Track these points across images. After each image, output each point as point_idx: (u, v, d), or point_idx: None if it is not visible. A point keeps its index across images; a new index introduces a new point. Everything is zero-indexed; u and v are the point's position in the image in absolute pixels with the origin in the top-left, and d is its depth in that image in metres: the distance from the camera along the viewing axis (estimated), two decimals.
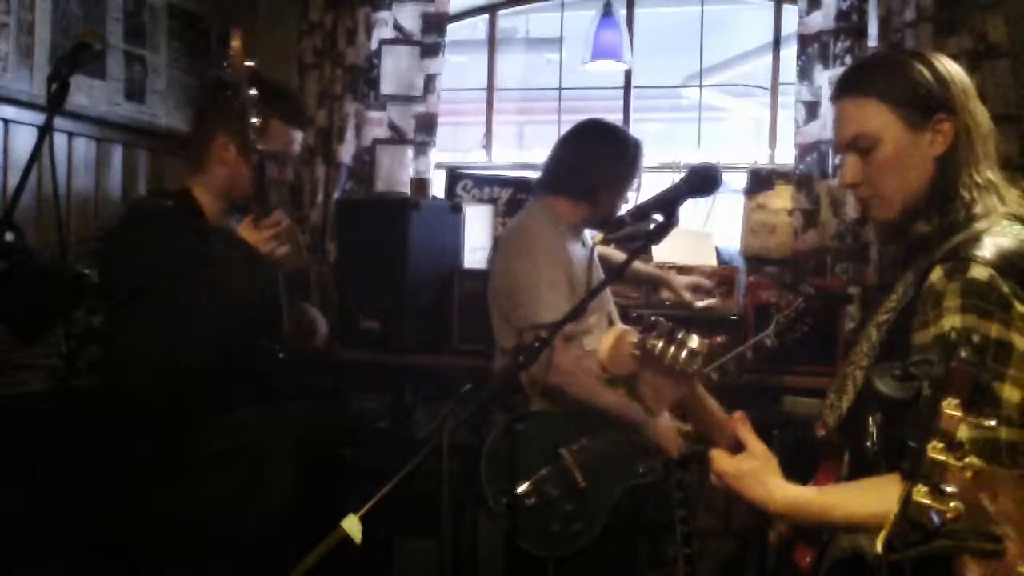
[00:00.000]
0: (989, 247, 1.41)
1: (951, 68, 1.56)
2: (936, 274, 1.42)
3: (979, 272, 1.38)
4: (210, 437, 2.13)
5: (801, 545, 1.63)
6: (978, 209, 1.48)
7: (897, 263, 1.62)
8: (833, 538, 1.56)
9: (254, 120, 2.03)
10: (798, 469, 1.70)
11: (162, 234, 2.12)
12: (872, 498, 1.33)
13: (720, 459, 1.40)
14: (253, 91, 2.04)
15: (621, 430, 2.58)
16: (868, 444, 1.47)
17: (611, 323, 2.78)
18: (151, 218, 2.21)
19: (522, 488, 2.47)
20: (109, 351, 2.25)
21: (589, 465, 2.57)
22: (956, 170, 1.51)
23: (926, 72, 1.52)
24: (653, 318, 1.34)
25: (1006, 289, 1.37)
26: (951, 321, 1.36)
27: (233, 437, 2.13)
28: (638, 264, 3.06)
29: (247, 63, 2.04)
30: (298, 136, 2.34)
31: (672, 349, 1.31)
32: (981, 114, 1.55)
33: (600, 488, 2.57)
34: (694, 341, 1.31)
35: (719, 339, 3.10)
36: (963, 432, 0.94)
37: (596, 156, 2.71)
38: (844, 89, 1.58)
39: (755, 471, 1.38)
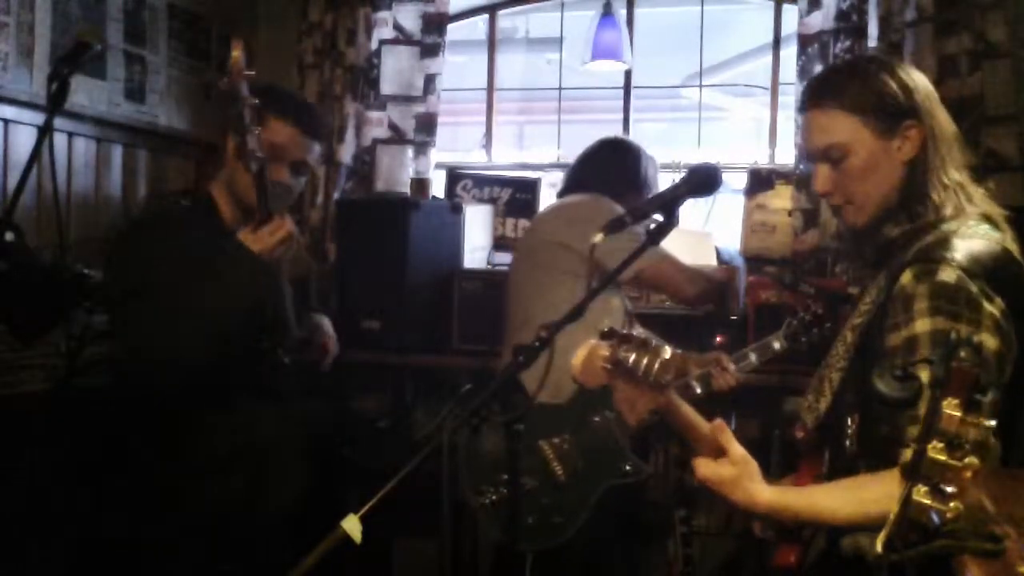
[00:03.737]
0: (958, 248, 1.43)
1: (915, 75, 1.59)
2: (906, 277, 1.44)
3: (948, 275, 1.40)
4: (213, 437, 2.12)
5: (784, 544, 1.63)
6: (948, 210, 1.52)
7: (870, 266, 1.64)
8: (815, 536, 1.57)
9: (255, 128, 2.02)
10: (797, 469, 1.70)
11: (169, 233, 2.11)
12: (849, 499, 1.38)
13: (702, 466, 1.43)
14: (254, 100, 2.03)
15: (607, 427, 2.58)
16: (847, 444, 1.48)
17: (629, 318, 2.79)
18: (160, 218, 2.20)
19: (498, 480, 2.46)
20: (113, 350, 2.22)
21: (570, 460, 2.58)
22: (925, 173, 1.54)
23: (891, 81, 1.55)
24: (625, 330, 1.35)
25: (975, 290, 1.38)
26: (922, 324, 1.38)
27: (236, 437, 2.12)
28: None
29: (247, 72, 2.03)
30: (306, 142, 2.25)
31: (645, 360, 1.32)
32: (945, 119, 1.58)
33: (581, 484, 2.58)
34: (666, 352, 1.32)
35: (719, 339, 3.10)
36: (963, 432, 0.94)
37: (620, 169, 2.81)
38: (812, 99, 1.61)
39: (735, 477, 1.41)
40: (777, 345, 2.58)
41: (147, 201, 2.41)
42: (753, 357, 2.60)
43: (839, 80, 1.60)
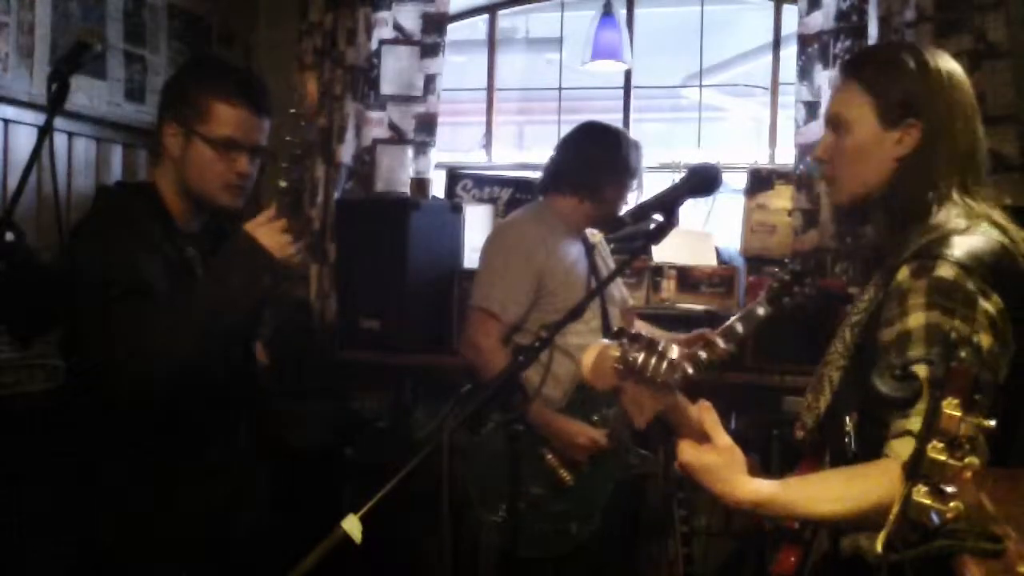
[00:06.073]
0: (957, 245, 1.42)
1: (953, 79, 1.54)
2: (903, 273, 1.43)
3: (946, 271, 1.38)
4: (186, 445, 1.97)
5: (787, 544, 1.63)
6: (944, 212, 1.48)
7: (869, 264, 1.64)
8: (817, 536, 1.57)
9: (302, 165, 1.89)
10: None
11: (139, 231, 1.93)
12: (835, 494, 1.34)
13: (685, 450, 1.38)
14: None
15: (608, 425, 2.57)
16: (847, 443, 1.47)
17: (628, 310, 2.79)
18: (126, 212, 1.98)
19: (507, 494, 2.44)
20: (97, 349, 1.90)
21: (576, 463, 2.56)
22: (915, 177, 1.51)
23: (918, 76, 1.53)
24: (633, 331, 1.35)
25: (972, 287, 1.37)
26: (916, 319, 1.37)
27: (209, 445, 2.03)
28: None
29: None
30: (259, 122, 1.98)
31: (653, 361, 1.32)
32: (963, 133, 1.53)
33: (592, 485, 2.56)
34: (674, 352, 1.32)
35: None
36: (963, 432, 0.94)
37: (598, 154, 2.71)
38: (844, 68, 1.64)
39: (718, 464, 1.35)
40: (761, 311, 2.48)
41: (100, 192, 2.18)
42: (740, 327, 2.49)
43: (872, 58, 1.64)
